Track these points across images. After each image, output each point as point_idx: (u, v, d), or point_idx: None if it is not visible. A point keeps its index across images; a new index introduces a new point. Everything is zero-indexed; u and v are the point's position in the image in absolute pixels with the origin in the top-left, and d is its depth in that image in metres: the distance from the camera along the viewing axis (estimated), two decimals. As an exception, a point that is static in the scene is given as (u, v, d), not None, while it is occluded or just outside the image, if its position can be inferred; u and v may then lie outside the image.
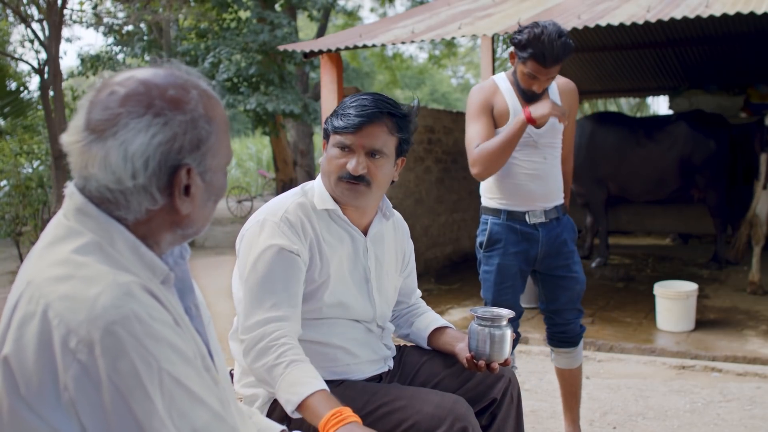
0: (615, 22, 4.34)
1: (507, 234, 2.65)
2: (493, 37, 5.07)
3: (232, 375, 1.85)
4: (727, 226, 6.74)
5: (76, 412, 0.92)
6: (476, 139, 2.56)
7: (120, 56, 11.56)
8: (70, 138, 1.02)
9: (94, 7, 9.85)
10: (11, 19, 9.97)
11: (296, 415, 1.53)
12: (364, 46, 5.19)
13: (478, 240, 2.74)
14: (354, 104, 1.74)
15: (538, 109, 2.46)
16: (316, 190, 1.82)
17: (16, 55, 11.12)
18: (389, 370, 1.90)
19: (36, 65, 8.41)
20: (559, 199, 2.72)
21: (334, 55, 5.47)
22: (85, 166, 1.01)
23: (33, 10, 8.47)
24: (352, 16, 17.69)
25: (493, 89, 2.64)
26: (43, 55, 8.30)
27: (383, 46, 5.52)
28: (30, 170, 8.43)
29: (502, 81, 2.65)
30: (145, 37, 11.34)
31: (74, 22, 9.06)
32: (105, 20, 10.04)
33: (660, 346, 4.21)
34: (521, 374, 3.78)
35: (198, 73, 1.09)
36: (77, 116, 1.03)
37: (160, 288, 1.04)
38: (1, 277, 7.12)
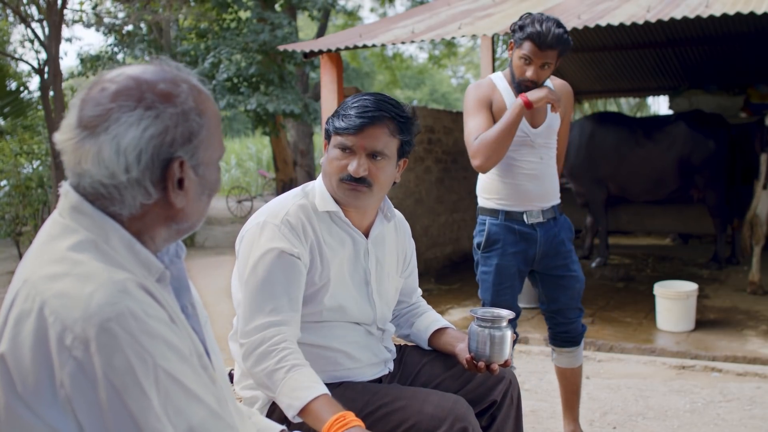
0: (615, 22, 4.34)
1: (505, 234, 2.65)
2: (493, 37, 5.07)
3: (231, 376, 1.85)
4: (727, 226, 6.73)
5: (73, 410, 0.93)
6: (475, 132, 2.55)
7: (120, 56, 11.56)
8: (63, 136, 1.03)
9: (94, 7, 9.85)
10: (11, 19, 9.98)
11: (297, 420, 1.53)
12: (364, 46, 5.19)
13: (476, 241, 2.73)
14: (355, 105, 1.72)
15: (535, 94, 2.47)
16: (317, 192, 1.80)
17: (16, 55, 11.13)
18: (389, 372, 1.90)
19: (36, 65, 8.42)
20: (555, 199, 2.72)
21: (334, 55, 5.48)
22: (79, 162, 1.02)
23: (33, 10, 8.48)
24: (352, 16, 17.68)
25: (490, 86, 2.65)
26: (43, 55, 8.31)
27: (383, 46, 5.52)
28: (30, 170, 8.45)
29: (500, 80, 2.66)
30: (145, 37, 11.34)
31: (74, 22, 9.07)
32: (105, 20, 10.04)
33: (660, 346, 4.21)
34: (521, 374, 3.78)
35: (188, 69, 1.10)
36: (69, 114, 1.04)
37: (156, 286, 1.05)
38: (1, 277, 7.13)
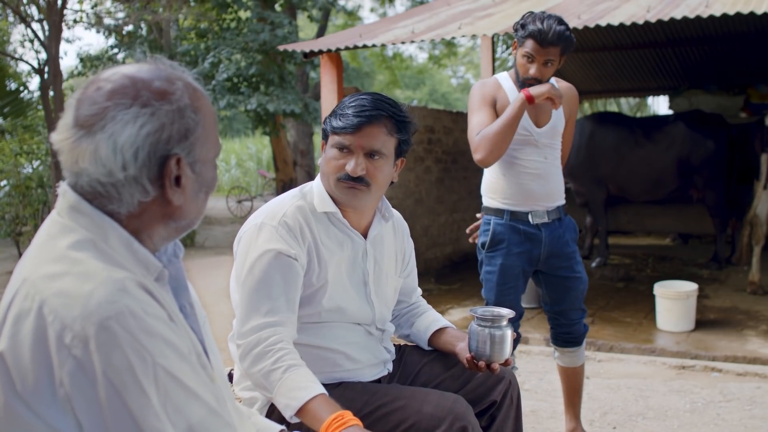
0: (615, 22, 4.34)
1: (510, 234, 2.64)
2: (493, 37, 5.07)
3: (231, 376, 1.85)
4: (727, 226, 6.74)
5: (72, 408, 0.93)
6: (478, 128, 2.56)
7: (120, 56, 11.57)
8: (60, 136, 1.03)
9: (94, 6, 9.85)
10: (11, 19, 9.98)
11: (295, 420, 1.53)
12: (364, 46, 5.19)
13: (480, 240, 2.73)
14: (353, 104, 1.72)
15: (537, 89, 2.48)
16: (315, 192, 1.80)
17: (16, 55, 11.13)
18: (388, 373, 1.89)
19: (36, 65, 8.43)
20: (560, 199, 2.72)
21: (334, 55, 5.48)
22: (76, 161, 1.02)
23: (33, 10, 8.48)
24: (352, 16, 17.69)
25: (495, 85, 2.66)
26: (43, 55, 8.32)
27: (383, 46, 5.52)
28: (30, 170, 8.45)
29: (505, 79, 2.67)
30: (146, 38, 11.33)
31: (75, 22, 9.07)
32: (105, 21, 10.04)
33: (660, 346, 4.21)
34: (521, 374, 3.78)
35: (182, 67, 1.11)
36: (66, 114, 1.04)
37: (155, 285, 1.05)
38: (1, 277, 7.12)
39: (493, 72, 5.29)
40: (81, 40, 32.03)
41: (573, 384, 2.86)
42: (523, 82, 2.55)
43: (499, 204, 2.68)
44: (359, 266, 1.83)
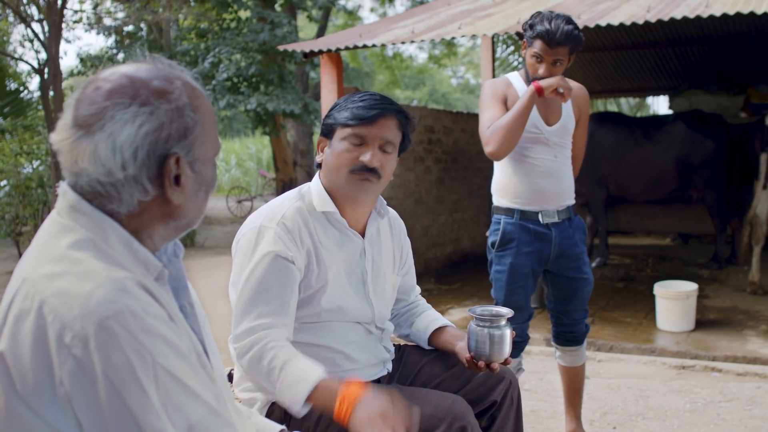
0: (615, 22, 4.34)
1: (520, 234, 2.64)
2: (493, 37, 5.07)
3: (231, 376, 1.85)
4: (727, 226, 6.74)
5: (72, 408, 0.93)
6: (489, 123, 2.57)
7: (120, 56, 11.56)
8: (59, 136, 1.03)
9: (95, 7, 9.85)
10: (11, 19, 9.97)
11: (305, 411, 1.52)
12: (364, 46, 5.19)
13: (490, 240, 2.73)
14: (364, 99, 1.74)
15: (546, 81, 2.49)
16: (313, 192, 1.80)
17: (16, 55, 11.14)
18: (388, 373, 1.89)
19: (36, 65, 8.43)
20: (570, 199, 2.72)
21: (334, 55, 5.47)
22: (75, 161, 1.02)
23: (33, 10, 8.48)
24: (352, 15, 17.68)
25: (506, 83, 2.68)
26: (43, 55, 8.32)
27: (383, 46, 5.52)
28: (30, 170, 8.45)
29: (516, 79, 2.69)
30: (146, 38, 11.33)
31: (75, 22, 9.07)
32: (105, 21, 10.04)
33: (660, 346, 4.21)
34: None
35: (181, 66, 1.11)
36: (65, 115, 1.04)
37: (155, 284, 1.05)
38: (1, 277, 7.13)
39: (493, 72, 5.29)
40: (81, 40, 32.00)
41: (574, 384, 2.86)
42: (532, 82, 2.56)
43: (509, 203, 2.68)
44: (358, 265, 1.83)
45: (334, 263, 1.77)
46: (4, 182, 8.21)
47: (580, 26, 4.36)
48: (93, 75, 1.06)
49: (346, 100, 1.77)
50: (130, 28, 11.07)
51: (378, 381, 1.85)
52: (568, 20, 2.47)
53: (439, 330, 1.94)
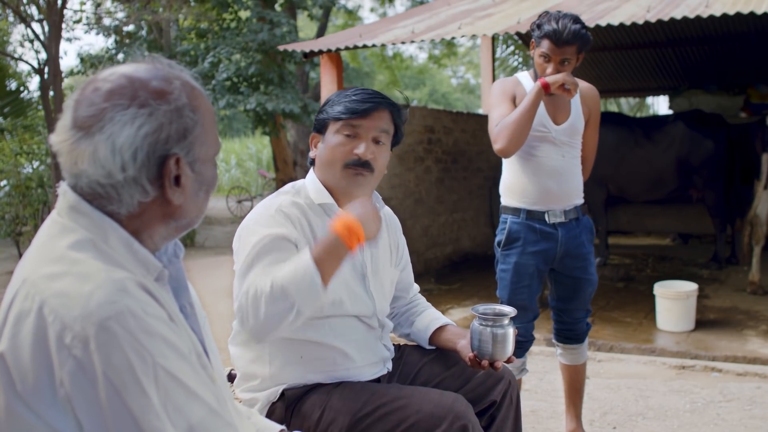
0: (615, 22, 4.34)
1: (526, 233, 2.65)
2: (493, 37, 5.07)
3: (231, 377, 1.85)
4: (727, 226, 6.74)
5: (72, 408, 0.93)
6: (498, 120, 2.58)
7: (120, 56, 11.56)
8: (59, 137, 1.03)
9: (97, 7, 9.85)
10: (11, 19, 9.97)
11: (328, 281, 1.50)
12: (364, 46, 5.19)
13: (497, 239, 2.74)
14: (357, 93, 1.77)
15: (552, 77, 2.50)
16: (309, 186, 1.81)
17: (16, 55, 11.13)
18: (388, 372, 1.89)
19: (36, 65, 8.42)
20: (578, 198, 2.73)
21: (334, 55, 5.48)
22: (75, 163, 1.02)
23: (33, 10, 8.48)
24: (352, 15, 17.68)
25: (515, 82, 2.69)
26: (43, 55, 8.32)
27: (383, 46, 5.52)
28: (30, 170, 8.45)
29: (525, 78, 2.70)
30: (146, 38, 11.33)
31: (75, 23, 9.07)
32: (105, 21, 10.04)
33: (660, 346, 4.21)
34: (521, 374, 3.77)
35: (180, 66, 1.11)
36: (64, 116, 1.04)
37: (155, 285, 1.05)
38: (1, 277, 7.12)
39: (493, 72, 5.30)
40: (81, 40, 31.97)
41: (575, 383, 2.86)
42: (539, 79, 2.57)
43: (516, 203, 2.69)
44: (357, 258, 1.83)
45: None
46: (4, 182, 8.21)
47: (580, 26, 4.37)
48: (92, 75, 1.06)
49: (339, 95, 1.78)
50: (130, 28, 11.06)
51: (378, 380, 1.85)
52: (576, 19, 2.48)
53: (441, 329, 1.94)
